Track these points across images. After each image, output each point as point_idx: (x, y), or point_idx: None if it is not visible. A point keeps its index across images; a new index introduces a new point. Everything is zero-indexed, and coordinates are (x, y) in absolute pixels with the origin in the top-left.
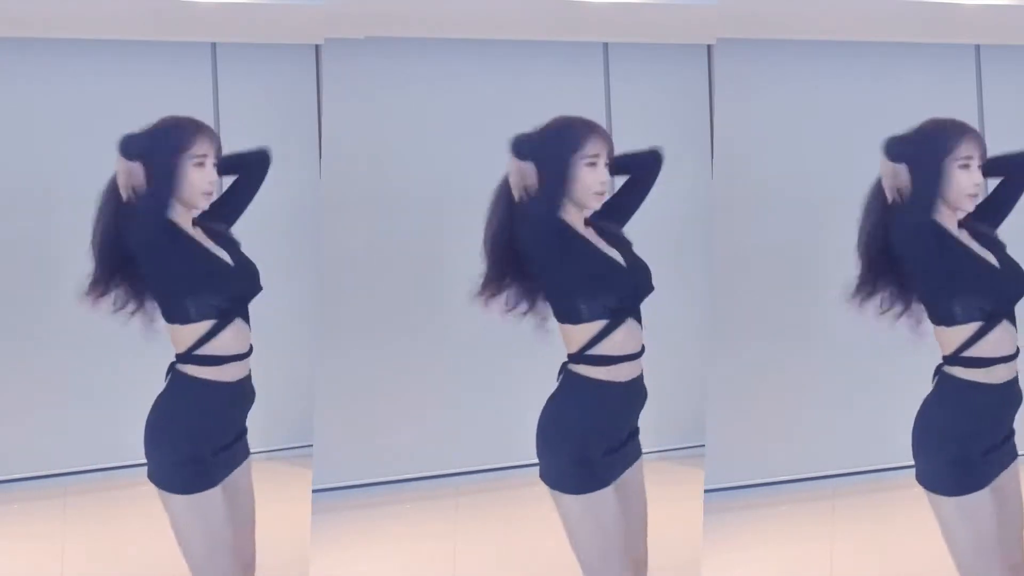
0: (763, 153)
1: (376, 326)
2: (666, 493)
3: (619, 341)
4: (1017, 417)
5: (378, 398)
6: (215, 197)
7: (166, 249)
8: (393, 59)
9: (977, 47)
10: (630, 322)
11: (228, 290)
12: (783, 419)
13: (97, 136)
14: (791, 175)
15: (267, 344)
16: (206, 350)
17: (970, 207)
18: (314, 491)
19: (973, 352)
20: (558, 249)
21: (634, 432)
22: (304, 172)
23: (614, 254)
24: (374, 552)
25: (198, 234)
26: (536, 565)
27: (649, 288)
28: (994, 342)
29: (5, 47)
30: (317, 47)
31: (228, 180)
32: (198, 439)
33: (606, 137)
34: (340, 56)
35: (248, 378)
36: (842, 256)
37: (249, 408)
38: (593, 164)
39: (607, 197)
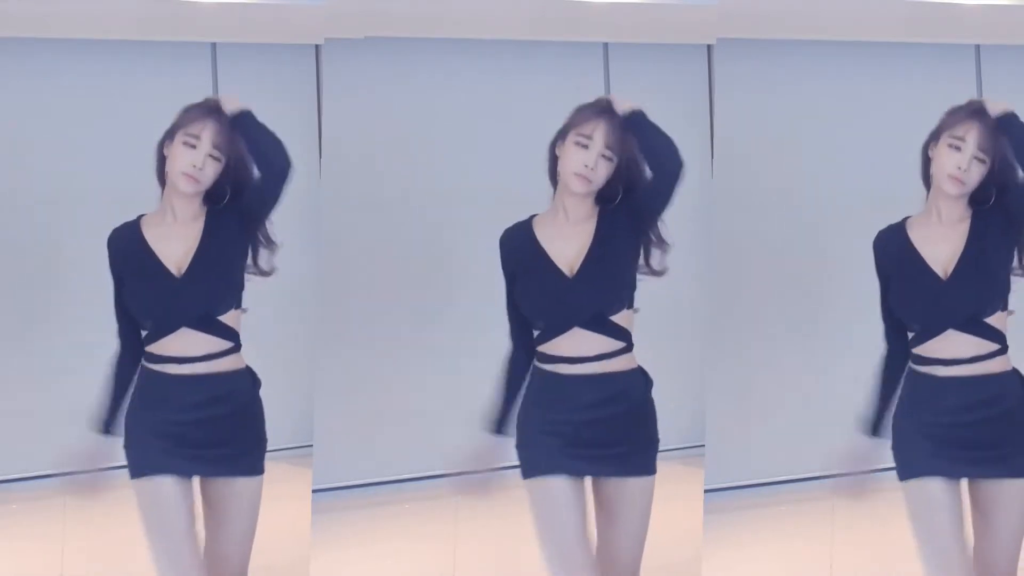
0: (763, 153)
1: (376, 326)
2: (666, 493)
3: (564, 345)
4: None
5: (378, 398)
6: (204, 187)
7: (116, 252)
8: (393, 59)
9: (977, 47)
10: (576, 331)
11: (162, 302)
12: (783, 419)
13: (97, 136)
14: (791, 175)
15: (267, 344)
16: (151, 348)
17: (952, 191)
18: (314, 491)
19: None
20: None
21: (615, 439)
22: (304, 172)
23: (565, 266)
24: (374, 552)
25: (163, 232)
26: (536, 565)
27: (604, 306)
28: (937, 349)
29: (5, 47)
30: (317, 47)
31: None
32: (144, 423)
33: (615, 126)
34: (340, 56)
35: (215, 376)
36: (842, 256)
37: (229, 415)
38: (583, 145)
39: (595, 186)
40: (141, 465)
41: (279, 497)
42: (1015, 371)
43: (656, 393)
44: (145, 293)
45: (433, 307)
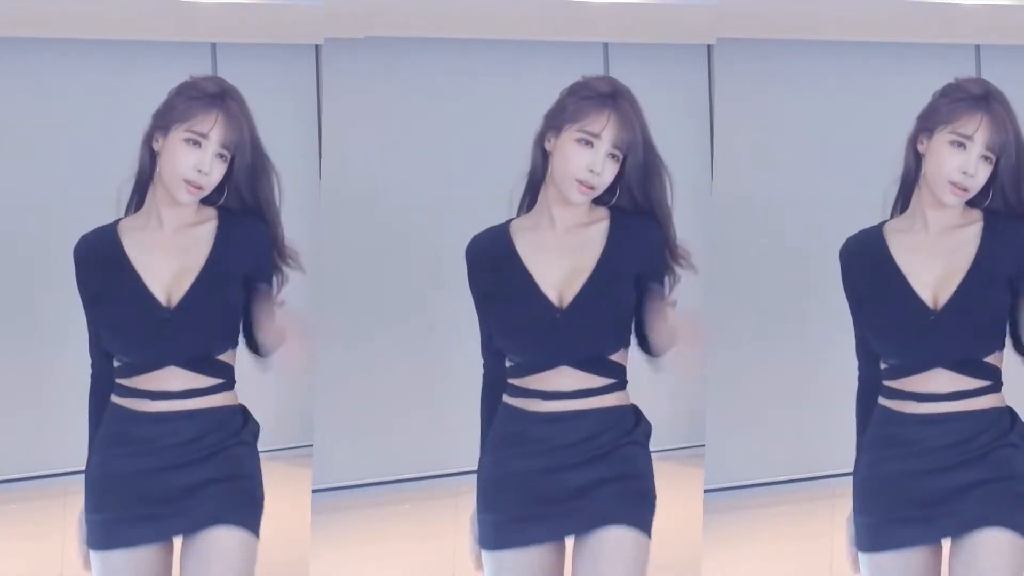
0: (763, 153)
1: (376, 326)
2: (666, 493)
3: (544, 380)
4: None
5: (378, 398)
6: (207, 193)
7: (86, 265)
8: (393, 59)
9: (977, 47)
10: (563, 369)
11: (146, 340)
12: (783, 419)
13: (97, 136)
14: (791, 175)
15: None
16: (123, 381)
17: (952, 200)
18: (314, 491)
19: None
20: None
21: (587, 486)
22: (304, 172)
23: (552, 295)
24: (374, 552)
25: (144, 249)
26: None
27: (596, 348)
28: (914, 384)
29: (5, 47)
30: (317, 47)
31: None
32: (105, 476)
33: (624, 115)
34: (340, 56)
35: (197, 413)
36: None
37: (207, 458)
38: (587, 143)
39: (597, 192)
40: (102, 536)
41: (279, 497)
42: (1009, 409)
43: (656, 393)
44: (125, 326)
45: (434, 307)
